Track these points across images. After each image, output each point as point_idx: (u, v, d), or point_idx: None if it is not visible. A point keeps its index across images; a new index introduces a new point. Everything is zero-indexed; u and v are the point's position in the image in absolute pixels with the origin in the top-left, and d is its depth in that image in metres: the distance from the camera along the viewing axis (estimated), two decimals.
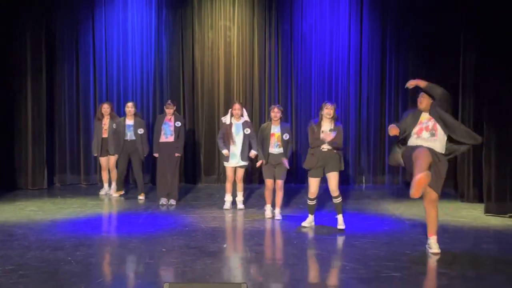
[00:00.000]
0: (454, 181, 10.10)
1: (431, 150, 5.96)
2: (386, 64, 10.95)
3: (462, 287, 5.12)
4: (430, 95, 6.18)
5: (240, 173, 8.52)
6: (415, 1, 10.69)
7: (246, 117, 8.51)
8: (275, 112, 7.80)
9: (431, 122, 6.10)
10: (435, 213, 6.16)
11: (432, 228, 6.19)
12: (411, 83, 6.35)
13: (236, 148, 8.38)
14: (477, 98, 8.92)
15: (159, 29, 10.98)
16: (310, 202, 7.34)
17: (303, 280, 5.41)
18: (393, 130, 6.11)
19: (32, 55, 10.23)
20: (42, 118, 10.31)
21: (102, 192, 9.85)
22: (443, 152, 6.08)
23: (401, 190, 10.37)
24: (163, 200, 8.80)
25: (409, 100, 10.87)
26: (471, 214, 8.26)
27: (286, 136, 7.80)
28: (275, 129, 7.81)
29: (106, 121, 9.67)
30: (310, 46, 11.01)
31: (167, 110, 8.83)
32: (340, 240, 6.80)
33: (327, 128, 7.18)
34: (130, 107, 9.34)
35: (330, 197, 7.34)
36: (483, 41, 8.55)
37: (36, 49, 10.26)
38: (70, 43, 10.84)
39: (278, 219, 7.77)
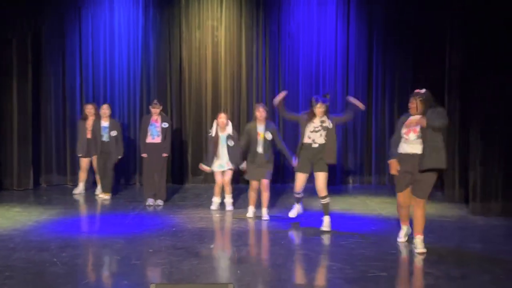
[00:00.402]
0: (440, 181, 10.15)
1: (414, 162, 6.09)
2: (373, 63, 10.99)
3: (448, 286, 5.15)
4: (423, 102, 6.17)
5: (228, 176, 8.52)
6: (401, 1, 10.74)
7: (230, 130, 8.46)
8: (260, 112, 7.80)
9: (419, 127, 6.13)
10: (421, 213, 6.23)
11: (418, 228, 6.25)
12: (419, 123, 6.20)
13: (221, 159, 8.41)
14: (463, 97, 8.98)
15: (146, 28, 10.94)
16: (296, 195, 7.39)
17: (290, 280, 5.42)
18: (393, 168, 6.29)
19: (18, 54, 10.14)
20: (28, 118, 10.24)
21: (76, 192, 9.80)
22: (421, 152, 6.11)
23: (388, 190, 10.41)
24: (150, 201, 8.77)
25: (396, 100, 10.94)
26: (456, 214, 8.32)
27: (269, 136, 7.79)
28: (260, 128, 7.81)
29: (90, 122, 9.64)
30: (298, 46, 11.02)
31: (153, 110, 8.81)
32: (327, 240, 6.82)
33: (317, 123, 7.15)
34: (105, 109, 9.41)
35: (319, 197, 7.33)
36: (469, 41, 8.60)
37: (22, 48, 10.16)
38: (56, 43, 10.76)
39: (266, 219, 7.77)
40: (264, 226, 7.56)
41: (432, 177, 6.14)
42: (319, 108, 7.14)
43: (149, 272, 5.62)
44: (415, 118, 6.17)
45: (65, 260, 5.82)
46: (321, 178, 7.15)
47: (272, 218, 7.85)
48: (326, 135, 7.13)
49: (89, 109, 9.70)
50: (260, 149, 7.80)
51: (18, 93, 10.16)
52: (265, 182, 7.84)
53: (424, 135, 6.05)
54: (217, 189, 8.53)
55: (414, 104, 6.17)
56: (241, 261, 5.92)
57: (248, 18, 10.97)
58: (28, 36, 10.23)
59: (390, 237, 6.88)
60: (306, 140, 7.16)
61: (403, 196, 6.37)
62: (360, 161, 11.07)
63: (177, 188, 10.60)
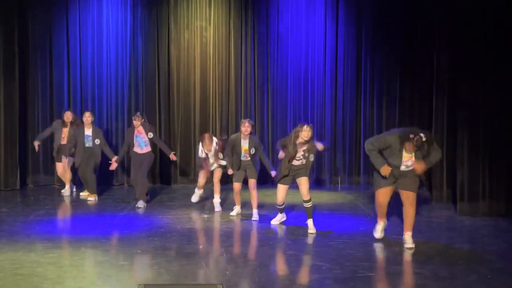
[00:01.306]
0: (428, 181, 10.21)
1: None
2: (362, 65, 11.02)
3: (436, 286, 5.18)
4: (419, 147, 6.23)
5: (218, 173, 8.53)
6: (389, 2, 10.79)
7: (213, 150, 8.46)
8: (246, 127, 7.78)
9: (411, 162, 6.26)
10: (412, 211, 6.36)
11: (408, 224, 6.38)
12: (418, 171, 6.32)
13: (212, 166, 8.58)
14: (450, 99, 9.03)
15: (135, 28, 10.89)
16: (279, 206, 7.45)
17: (278, 281, 5.42)
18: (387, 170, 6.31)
19: (4, 54, 10.04)
20: (14, 118, 10.16)
21: (65, 193, 9.74)
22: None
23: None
24: (140, 203, 8.72)
25: (384, 101, 10.98)
26: (444, 214, 8.37)
27: (253, 151, 7.83)
28: (244, 143, 7.83)
29: (66, 129, 9.64)
30: (286, 47, 11.03)
31: (134, 122, 8.81)
32: (316, 240, 6.83)
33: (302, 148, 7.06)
34: (87, 116, 9.38)
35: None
36: (456, 43, 8.66)
37: (8, 48, 10.07)
38: (43, 42, 10.68)
39: (255, 220, 7.78)
40: (253, 226, 7.56)
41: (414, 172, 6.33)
42: (306, 132, 6.98)
43: (137, 273, 5.60)
44: (410, 156, 6.23)
45: (52, 261, 5.78)
46: (304, 183, 7.13)
47: (260, 218, 7.85)
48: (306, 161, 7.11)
49: (68, 115, 9.69)
50: (244, 158, 7.88)
51: (5, 94, 10.07)
52: (253, 181, 7.85)
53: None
54: (216, 187, 8.57)
55: (411, 147, 6.18)
56: (230, 261, 5.91)
57: (236, 19, 10.97)
58: (15, 36, 10.13)
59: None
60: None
61: (383, 195, 6.43)
62: (348, 161, 11.10)
63: (165, 188, 10.56)
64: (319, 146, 7.12)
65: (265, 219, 7.86)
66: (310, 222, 7.21)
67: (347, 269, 5.59)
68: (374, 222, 7.52)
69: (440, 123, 9.24)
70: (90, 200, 9.19)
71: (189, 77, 10.98)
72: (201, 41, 10.95)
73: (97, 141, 9.33)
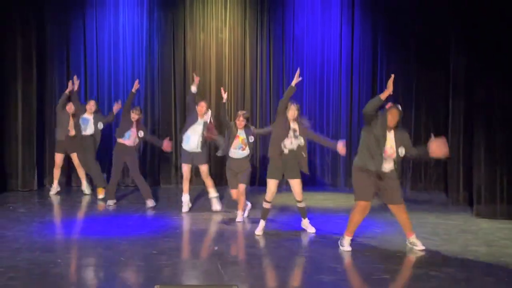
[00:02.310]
0: (444, 184, 10.15)
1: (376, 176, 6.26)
2: (377, 67, 10.97)
3: None
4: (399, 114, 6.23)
5: (205, 169, 8.45)
6: (405, 4, 10.73)
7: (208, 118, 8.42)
8: (240, 121, 7.72)
9: (392, 150, 6.24)
10: (406, 216, 6.46)
11: (408, 229, 6.47)
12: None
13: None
14: (467, 101, 8.97)
15: (151, 30, 10.95)
16: (266, 206, 7.10)
17: (293, 283, 5.42)
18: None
19: (22, 57, 10.15)
20: (32, 120, 10.25)
21: (52, 192, 9.77)
22: (390, 170, 6.30)
23: None
24: (110, 202, 8.83)
25: (400, 102, 10.86)
26: (461, 217, 8.30)
27: (252, 139, 7.80)
28: (241, 132, 7.78)
29: (72, 119, 9.65)
30: (302, 49, 11.02)
31: (132, 114, 8.75)
32: (331, 242, 6.80)
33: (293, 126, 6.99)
34: (92, 104, 9.54)
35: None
36: (473, 44, 8.60)
37: (26, 51, 10.17)
38: (61, 45, 10.78)
39: (239, 221, 7.76)
40: (268, 228, 7.55)
41: (397, 181, 6.40)
42: (293, 110, 6.96)
43: (153, 274, 5.62)
44: (391, 137, 6.22)
45: (69, 261, 5.83)
46: (296, 185, 7.07)
47: (275, 220, 7.83)
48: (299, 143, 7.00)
49: (70, 106, 9.64)
50: (236, 153, 7.76)
51: (23, 95, 10.17)
52: (242, 186, 7.77)
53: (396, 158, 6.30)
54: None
55: (396, 116, 6.20)
56: (245, 262, 5.92)
57: (252, 20, 10.99)
58: (33, 38, 10.25)
59: (394, 239, 6.88)
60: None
61: (365, 210, 6.37)
62: None
63: (181, 190, 10.57)
64: (340, 149, 7.00)
65: (278, 221, 7.85)
66: (306, 221, 7.23)
67: (363, 271, 5.57)
68: (391, 225, 7.50)
69: (457, 125, 9.17)
70: (100, 199, 9.17)
71: (204, 78, 11.01)
72: (216, 43, 10.99)
73: (100, 125, 9.38)
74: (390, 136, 6.27)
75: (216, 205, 8.45)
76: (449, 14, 9.49)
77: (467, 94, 8.98)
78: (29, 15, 10.23)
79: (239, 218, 7.82)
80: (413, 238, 6.45)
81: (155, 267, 5.77)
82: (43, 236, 6.92)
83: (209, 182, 8.51)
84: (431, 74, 10.45)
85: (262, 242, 6.82)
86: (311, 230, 7.20)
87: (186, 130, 8.40)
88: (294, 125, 6.98)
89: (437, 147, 6.20)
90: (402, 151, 6.28)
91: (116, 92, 10.96)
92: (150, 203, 8.70)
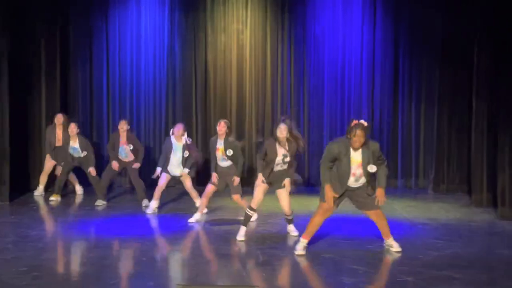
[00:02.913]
0: (468, 185, 10.04)
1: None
2: (399, 67, 10.89)
3: None
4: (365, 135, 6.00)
5: (188, 181, 8.54)
6: (428, 4, 10.63)
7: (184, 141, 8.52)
8: (221, 127, 7.61)
9: (359, 170, 6.07)
10: (384, 222, 6.35)
11: (386, 232, 6.39)
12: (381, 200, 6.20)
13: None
14: (491, 101, 8.86)
15: (172, 32, 11.01)
16: (249, 213, 6.87)
17: (314, 283, 5.40)
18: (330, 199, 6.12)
19: (46, 59, 10.29)
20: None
21: (37, 193, 9.82)
22: (362, 184, 6.18)
23: (414, 194, 10.32)
24: (99, 201, 8.98)
25: (422, 105, 10.82)
26: (484, 219, 8.20)
27: (230, 152, 7.61)
28: (220, 144, 7.66)
29: (59, 131, 9.70)
30: (323, 50, 10.98)
31: (119, 127, 8.98)
32: (353, 244, 6.77)
33: (281, 151, 6.82)
34: (73, 127, 9.28)
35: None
36: (497, 44, 8.50)
37: (50, 53, 10.32)
38: (84, 47, 10.90)
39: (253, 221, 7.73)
40: (288, 229, 7.53)
41: (366, 188, 6.21)
42: (282, 130, 6.78)
43: (174, 273, 5.65)
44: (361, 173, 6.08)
45: (92, 261, 5.89)
46: (284, 197, 6.91)
47: (296, 221, 7.81)
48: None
49: (58, 118, 9.74)
50: (221, 163, 7.68)
51: (46, 97, 10.31)
52: (236, 197, 7.65)
53: (363, 174, 6.11)
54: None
55: (360, 137, 5.94)
56: (266, 263, 5.92)
57: (273, 21, 10.98)
58: (56, 40, 10.39)
59: (415, 241, 6.83)
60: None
61: (325, 213, 6.24)
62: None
63: (203, 190, 10.60)
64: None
65: (299, 221, 7.84)
66: (291, 226, 7.17)
67: (385, 273, 5.54)
68: (413, 226, 7.44)
69: (480, 125, 9.06)
70: (97, 206, 9.05)
71: (225, 80, 11.04)
72: (237, 44, 11.00)
73: (84, 153, 9.27)
74: (357, 155, 6.04)
75: (198, 215, 7.98)
76: (472, 13, 9.38)
77: (490, 94, 8.87)
78: (53, 16, 10.37)
79: (253, 218, 7.73)
80: (390, 241, 6.39)
81: (176, 267, 5.80)
82: (67, 236, 7.00)
83: (194, 193, 8.61)
84: (454, 74, 10.34)
85: (282, 244, 6.81)
86: (294, 233, 7.10)
87: (165, 160, 8.46)
88: (284, 148, 6.79)
89: (380, 195, 6.16)
90: (372, 168, 6.07)
91: (138, 92, 11.03)
92: (145, 203, 8.85)
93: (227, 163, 7.69)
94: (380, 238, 6.72)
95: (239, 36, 11.00)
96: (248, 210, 6.88)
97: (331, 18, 10.94)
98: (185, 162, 8.49)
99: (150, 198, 8.68)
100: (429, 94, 10.72)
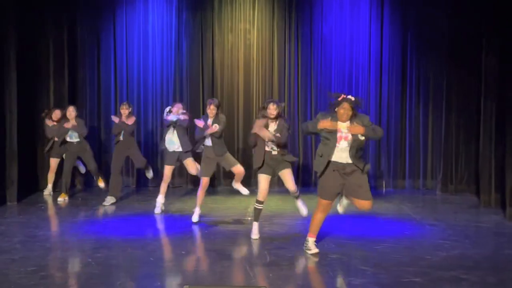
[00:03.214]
0: (476, 186, 10.00)
1: (344, 170, 5.92)
2: (407, 67, 10.86)
3: None
4: (353, 108, 5.89)
5: (190, 165, 8.57)
6: (436, 3, 10.60)
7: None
8: (211, 109, 7.56)
9: (347, 134, 5.92)
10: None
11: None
12: (352, 130, 5.90)
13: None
14: (499, 102, 8.82)
15: (179, 31, 11.04)
16: (258, 206, 6.80)
17: (322, 284, 5.40)
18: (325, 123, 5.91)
19: (54, 58, 10.37)
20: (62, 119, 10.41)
21: (46, 193, 9.90)
22: (351, 161, 5.94)
23: (422, 195, 10.29)
24: (108, 200, 9.08)
25: (430, 103, 10.79)
26: (492, 220, 8.17)
27: (216, 127, 7.56)
28: (209, 121, 7.62)
29: (56, 125, 9.72)
30: (330, 49, 10.97)
31: (121, 111, 9.13)
32: (361, 244, 6.76)
33: (271, 129, 6.79)
34: (71, 110, 9.41)
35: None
36: (505, 44, 8.46)
37: (58, 52, 10.39)
38: (91, 47, 10.95)
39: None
40: (295, 229, 7.53)
41: (365, 177, 6.01)
42: (272, 110, 6.77)
43: (182, 274, 5.66)
44: (347, 125, 5.89)
45: (99, 261, 5.90)
46: (287, 176, 6.86)
47: (302, 222, 7.81)
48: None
49: (56, 114, 9.78)
50: (208, 142, 7.63)
51: (55, 96, 10.41)
52: (234, 169, 7.68)
53: (353, 143, 5.89)
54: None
55: (347, 110, 5.87)
56: (273, 264, 5.91)
57: (280, 21, 10.98)
58: (64, 39, 10.46)
59: (424, 242, 6.80)
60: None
61: (331, 204, 6.17)
62: (393, 164, 10.95)
63: (209, 190, 10.61)
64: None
65: (306, 222, 7.82)
66: (298, 201, 7.10)
67: (392, 274, 5.52)
68: (420, 227, 7.41)
69: (489, 125, 9.03)
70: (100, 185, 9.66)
71: (232, 79, 11.05)
72: (245, 44, 11.01)
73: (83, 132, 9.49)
74: (345, 125, 5.89)
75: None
76: (480, 13, 9.34)
77: (499, 94, 8.83)
78: (61, 15, 10.44)
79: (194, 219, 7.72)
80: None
81: (184, 267, 5.80)
82: (74, 235, 7.02)
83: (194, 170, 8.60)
84: (462, 73, 10.30)
85: (289, 244, 6.80)
86: (303, 211, 7.09)
87: (164, 136, 8.48)
88: (272, 129, 6.76)
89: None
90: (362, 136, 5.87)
91: (145, 92, 11.07)
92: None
93: (210, 141, 7.60)
94: (385, 239, 6.70)
95: (246, 36, 11.01)
96: (256, 204, 6.84)
97: (339, 18, 10.93)
98: (182, 138, 8.42)
99: (154, 195, 8.68)
100: (437, 94, 10.68)
